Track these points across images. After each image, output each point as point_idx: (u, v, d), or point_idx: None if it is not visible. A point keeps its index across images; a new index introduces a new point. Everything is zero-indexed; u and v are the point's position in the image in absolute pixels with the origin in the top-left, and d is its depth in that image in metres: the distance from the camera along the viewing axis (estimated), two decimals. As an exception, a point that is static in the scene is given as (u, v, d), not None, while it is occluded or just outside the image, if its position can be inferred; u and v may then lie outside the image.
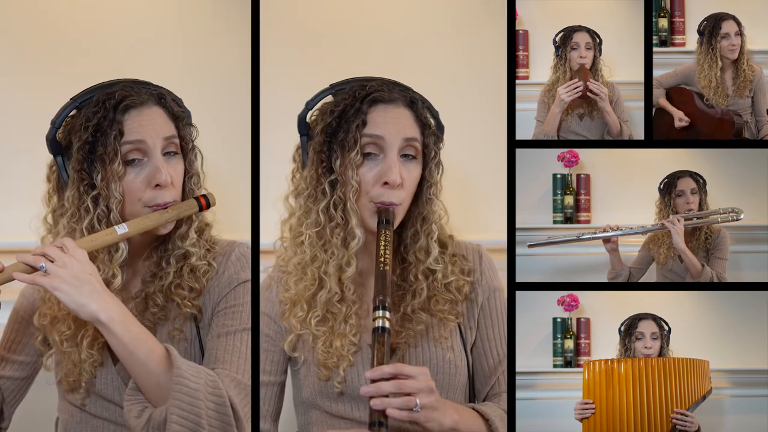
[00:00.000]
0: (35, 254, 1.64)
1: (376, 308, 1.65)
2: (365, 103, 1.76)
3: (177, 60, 2.22)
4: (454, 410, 1.68)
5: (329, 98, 1.81)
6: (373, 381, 1.60)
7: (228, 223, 1.92)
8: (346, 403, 1.78)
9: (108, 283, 1.70)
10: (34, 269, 1.63)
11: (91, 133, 1.71)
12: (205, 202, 1.80)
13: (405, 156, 1.77)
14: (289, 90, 2.09)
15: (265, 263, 1.91)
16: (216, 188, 1.85)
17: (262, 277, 1.88)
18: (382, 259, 1.69)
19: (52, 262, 1.62)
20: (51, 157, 1.79)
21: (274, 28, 2.10)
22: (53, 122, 1.76)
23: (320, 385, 1.79)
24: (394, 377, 1.60)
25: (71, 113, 1.77)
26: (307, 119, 1.82)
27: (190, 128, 1.83)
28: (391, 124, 1.76)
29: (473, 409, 1.76)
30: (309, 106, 1.82)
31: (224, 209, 1.90)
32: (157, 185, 1.73)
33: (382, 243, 1.71)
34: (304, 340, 1.80)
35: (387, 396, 1.59)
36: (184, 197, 1.80)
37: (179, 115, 1.80)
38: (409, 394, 1.60)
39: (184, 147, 1.80)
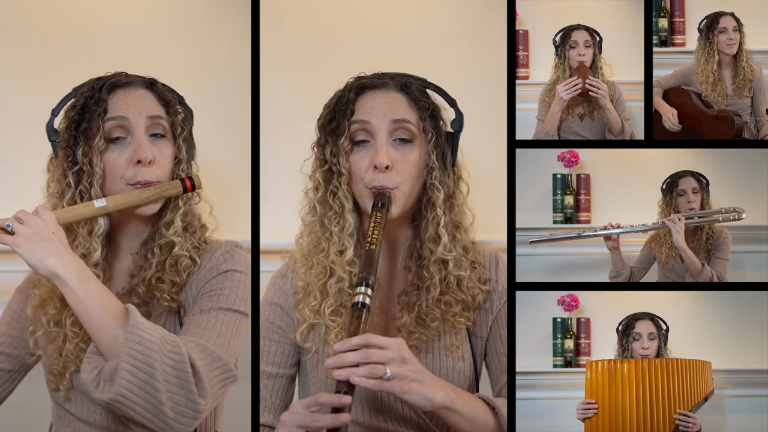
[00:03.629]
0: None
1: (358, 284, 1.64)
2: (353, 92, 1.78)
3: (177, 59, 2.23)
4: (449, 388, 1.66)
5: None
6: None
7: (228, 223, 1.92)
8: (354, 404, 1.75)
9: (88, 256, 1.73)
10: (3, 230, 1.65)
11: (78, 112, 1.76)
12: (190, 184, 1.80)
13: (400, 140, 1.77)
14: (289, 89, 2.09)
15: (265, 263, 1.91)
16: (216, 188, 1.85)
17: (264, 276, 1.88)
18: (370, 239, 1.69)
19: (21, 223, 1.65)
20: (51, 150, 1.81)
21: (274, 27, 2.11)
22: (53, 111, 1.80)
23: (328, 382, 1.77)
24: (363, 347, 1.57)
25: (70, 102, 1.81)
26: None
27: (182, 116, 1.84)
28: (377, 108, 1.77)
29: (479, 398, 1.74)
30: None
31: (224, 209, 1.90)
32: (138, 162, 1.75)
33: (372, 223, 1.71)
34: (316, 331, 1.80)
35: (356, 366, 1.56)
36: None
37: (169, 101, 1.82)
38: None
39: (173, 132, 1.82)
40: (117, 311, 1.64)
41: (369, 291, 1.63)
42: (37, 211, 1.67)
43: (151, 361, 1.58)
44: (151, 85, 1.81)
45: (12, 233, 1.64)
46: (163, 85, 1.84)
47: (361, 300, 1.62)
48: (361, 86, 1.78)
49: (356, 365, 1.56)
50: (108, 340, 1.63)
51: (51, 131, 1.80)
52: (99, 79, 1.79)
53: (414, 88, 1.79)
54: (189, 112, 1.86)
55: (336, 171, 1.77)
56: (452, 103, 1.83)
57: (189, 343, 1.66)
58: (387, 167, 1.74)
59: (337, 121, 1.77)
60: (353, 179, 1.77)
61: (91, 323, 1.63)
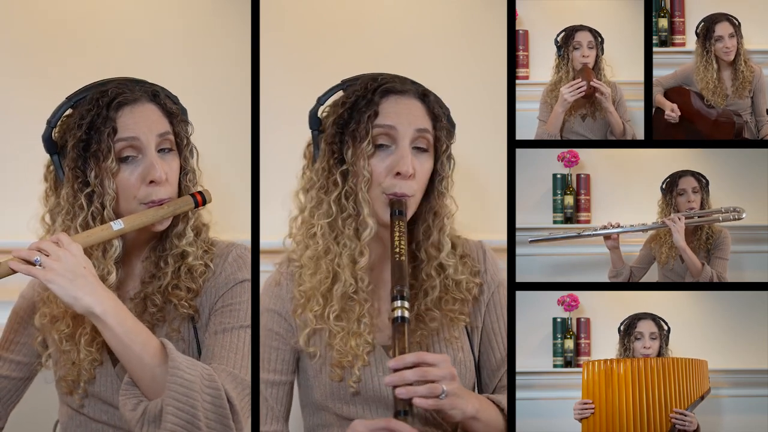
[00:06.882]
0: (31, 248, 1.64)
1: (394, 298, 1.65)
2: (377, 94, 1.77)
3: (177, 59, 2.23)
4: (475, 399, 1.70)
5: (340, 93, 1.81)
6: (396, 370, 1.59)
7: (227, 223, 1.92)
8: (359, 405, 1.77)
9: (103, 279, 1.71)
10: (29, 263, 1.63)
11: (85, 131, 1.72)
12: (201, 199, 1.80)
13: (417, 149, 1.77)
14: (289, 89, 2.09)
15: (265, 263, 1.91)
16: (216, 188, 1.85)
17: (264, 276, 1.88)
18: (398, 250, 1.69)
19: (48, 256, 1.62)
20: (48, 157, 1.79)
21: (274, 27, 2.11)
22: (49, 122, 1.77)
23: (332, 386, 1.78)
24: (416, 365, 1.60)
25: (66, 112, 1.77)
26: (319, 115, 1.83)
27: (185, 125, 1.82)
28: (403, 115, 1.77)
29: (488, 399, 1.77)
30: (320, 101, 1.83)
31: (224, 209, 1.90)
32: (151, 182, 1.74)
33: (397, 234, 1.71)
34: (319, 336, 1.79)
35: (411, 384, 1.59)
36: (180, 194, 1.80)
37: (173, 112, 1.80)
38: (432, 382, 1.60)
39: (179, 144, 1.80)
40: (155, 348, 1.66)
41: (406, 304, 1.64)
42: (60, 240, 1.65)
43: (193, 402, 1.62)
44: (154, 96, 1.78)
45: (40, 266, 1.62)
46: (163, 90, 1.81)
47: (400, 314, 1.63)
48: (385, 90, 1.77)
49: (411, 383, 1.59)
50: (148, 378, 1.65)
51: (49, 144, 1.77)
52: (102, 93, 1.74)
53: (431, 98, 1.80)
54: (184, 114, 1.84)
55: (354, 173, 1.76)
56: (446, 111, 1.84)
57: (221, 373, 1.69)
58: (411, 175, 1.74)
59: (357, 121, 1.75)
60: (371, 183, 1.76)
61: (130, 362, 1.65)
